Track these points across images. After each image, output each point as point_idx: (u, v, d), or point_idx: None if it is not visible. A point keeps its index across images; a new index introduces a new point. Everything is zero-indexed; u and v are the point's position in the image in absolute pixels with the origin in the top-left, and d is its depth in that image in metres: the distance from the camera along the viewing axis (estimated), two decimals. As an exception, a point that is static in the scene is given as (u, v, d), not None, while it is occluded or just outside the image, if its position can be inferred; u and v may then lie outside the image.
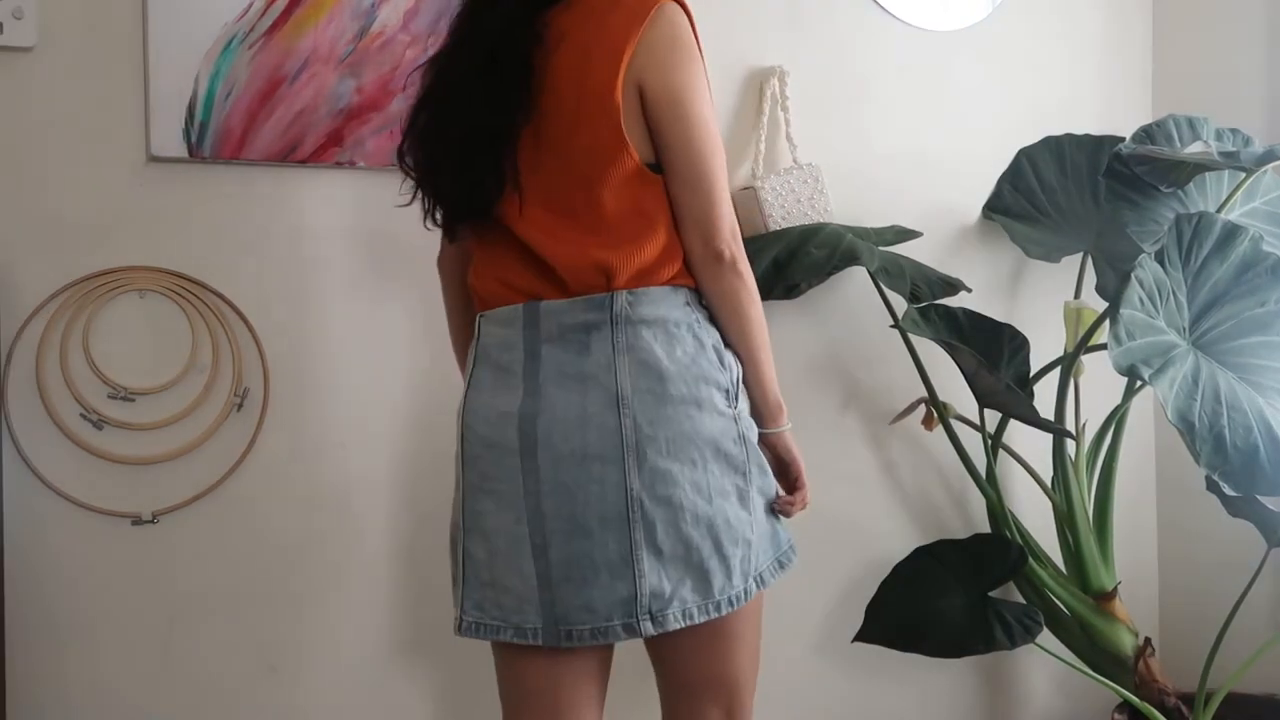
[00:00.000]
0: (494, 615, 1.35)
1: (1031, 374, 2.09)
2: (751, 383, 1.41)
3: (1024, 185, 2.25)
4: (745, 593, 1.36)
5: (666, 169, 1.35)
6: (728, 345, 1.39)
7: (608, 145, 1.32)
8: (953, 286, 2.05)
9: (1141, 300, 1.75)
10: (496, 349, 1.38)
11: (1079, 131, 2.26)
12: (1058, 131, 2.26)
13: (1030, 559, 2.03)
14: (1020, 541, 2.07)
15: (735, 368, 1.39)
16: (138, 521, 1.76)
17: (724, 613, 1.35)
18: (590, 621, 1.31)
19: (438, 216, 1.45)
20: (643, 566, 1.31)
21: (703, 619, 1.33)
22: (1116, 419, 2.12)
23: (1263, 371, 1.82)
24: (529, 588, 1.33)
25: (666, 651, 1.41)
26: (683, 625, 1.32)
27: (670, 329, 1.35)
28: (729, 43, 2.06)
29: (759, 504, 1.39)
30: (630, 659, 1.50)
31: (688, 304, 1.38)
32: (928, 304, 2.02)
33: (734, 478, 1.36)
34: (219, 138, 1.77)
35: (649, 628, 1.31)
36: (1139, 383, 1.89)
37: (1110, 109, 2.41)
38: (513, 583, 1.34)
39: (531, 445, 1.32)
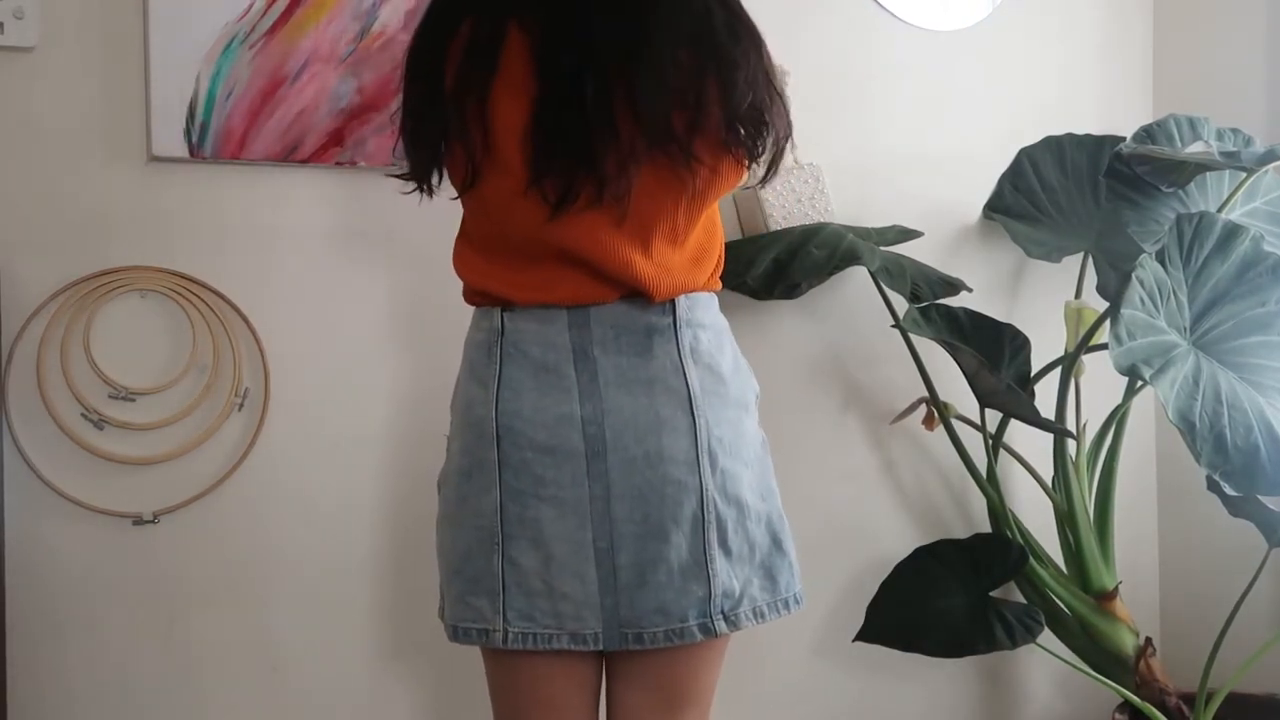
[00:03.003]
0: (547, 624, 1.31)
1: (1032, 374, 2.09)
2: None
3: (1025, 185, 2.25)
4: (802, 593, 1.39)
5: None
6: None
7: None
8: (953, 286, 2.05)
9: (1142, 300, 1.75)
10: (536, 347, 1.32)
11: (1079, 131, 2.26)
12: (1058, 131, 2.26)
13: (1031, 559, 2.04)
14: (1021, 541, 2.07)
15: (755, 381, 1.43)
16: (138, 521, 1.76)
17: (792, 611, 1.37)
18: (664, 624, 1.31)
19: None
20: (715, 566, 1.31)
21: (773, 617, 1.35)
22: (1117, 419, 2.12)
23: (1263, 371, 1.82)
24: (589, 593, 1.30)
25: (665, 663, 1.37)
26: (755, 624, 1.34)
27: (719, 333, 1.38)
28: (729, 43, 2.06)
29: None
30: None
31: (719, 310, 1.40)
32: (928, 304, 2.02)
33: (771, 480, 1.39)
34: (220, 138, 1.77)
35: (723, 626, 1.32)
36: (1140, 382, 1.89)
37: (1110, 109, 2.41)
38: (572, 589, 1.31)
39: (600, 449, 1.30)
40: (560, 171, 1.26)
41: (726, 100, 1.26)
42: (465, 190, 1.33)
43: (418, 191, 1.38)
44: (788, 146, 1.35)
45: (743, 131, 1.28)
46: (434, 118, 1.31)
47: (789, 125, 1.34)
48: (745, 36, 1.28)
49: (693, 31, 1.26)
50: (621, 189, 1.26)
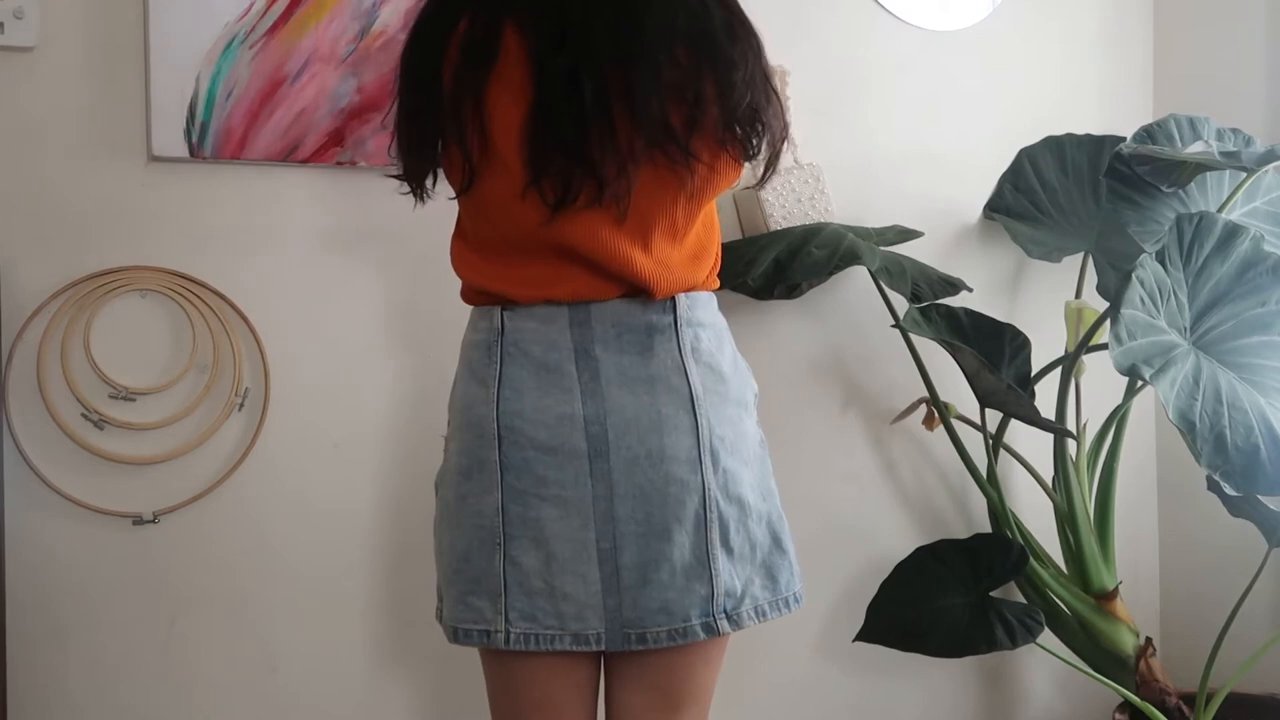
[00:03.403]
0: (549, 625, 1.31)
1: (1032, 374, 2.09)
2: None
3: (1025, 185, 2.25)
4: (802, 591, 1.39)
5: None
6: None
7: None
8: (954, 286, 2.05)
9: (1142, 300, 1.75)
10: (536, 346, 1.32)
11: (1079, 131, 2.26)
12: (1058, 131, 2.26)
13: (1031, 559, 2.03)
14: (1021, 541, 2.07)
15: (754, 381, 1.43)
16: (138, 521, 1.76)
17: (792, 609, 1.37)
18: (667, 623, 1.30)
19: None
20: (718, 566, 1.31)
21: (774, 616, 1.35)
22: (1117, 419, 2.12)
23: (1264, 371, 1.82)
24: (591, 593, 1.30)
25: (665, 663, 1.37)
26: (756, 623, 1.34)
27: (719, 332, 1.38)
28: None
29: None
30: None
31: (718, 309, 1.40)
32: (929, 304, 2.02)
33: (770, 479, 1.39)
34: (220, 138, 1.77)
35: (726, 626, 1.32)
36: (1140, 382, 1.89)
37: (1110, 109, 2.41)
38: (574, 589, 1.30)
39: (602, 449, 1.29)
40: (558, 172, 1.25)
41: (724, 99, 1.26)
42: (464, 192, 1.33)
43: (411, 195, 1.38)
44: (785, 147, 1.35)
45: (740, 131, 1.28)
46: (431, 119, 1.31)
47: (786, 126, 1.34)
48: (744, 37, 1.28)
49: (690, 30, 1.25)
50: (621, 189, 1.26)
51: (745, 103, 1.27)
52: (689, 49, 1.25)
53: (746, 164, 1.34)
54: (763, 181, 1.39)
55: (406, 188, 1.38)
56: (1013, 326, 2.08)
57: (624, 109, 1.24)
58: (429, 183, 1.37)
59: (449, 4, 1.32)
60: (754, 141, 1.30)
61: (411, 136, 1.34)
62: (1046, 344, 2.16)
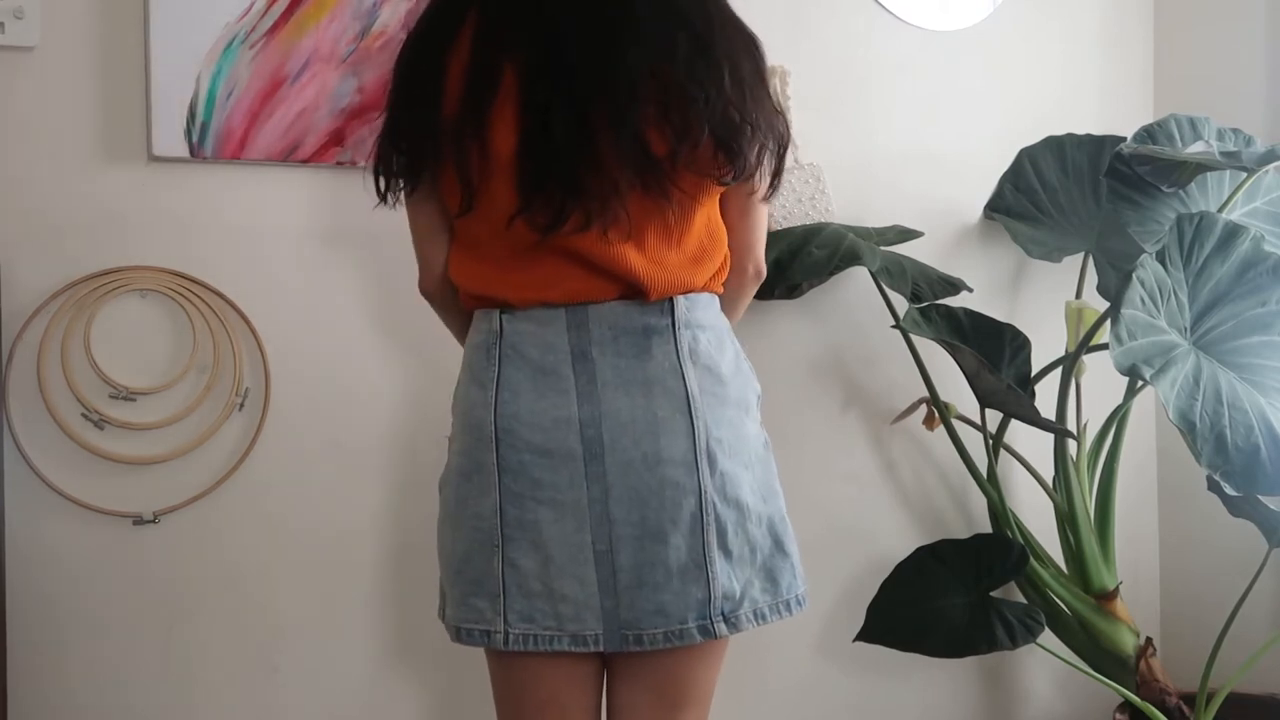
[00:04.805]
0: (547, 625, 1.32)
1: (1033, 374, 2.09)
2: None
3: (1025, 185, 2.25)
4: (805, 594, 1.39)
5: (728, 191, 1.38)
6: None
7: None
8: (954, 286, 2.05)
9: (1143, 300, 1.75)
10: (534, 349, 1.33)
11: (1080, 131, 2.26)
12: (1058, 131, 2.26)
13: (1031, 559, 2.03)
14: (1022, 541, 2.07)
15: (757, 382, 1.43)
16: (139, 521, 1.77)
17: (794, 612, 1.37)
18: (663, 625, 1.31)
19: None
20: (715, 569, 1.31)
21: (774, 618, 1.35)
22: (1118, 419, 2.12)
23: (1264, 371, 1.82)
24: (588, 595, 1.31)
25: (665, 664, 1.37)
26: (755, 625, 1.33)
27: (720, 334, 1.38)
28: (730, 42, 2.05)
29: None
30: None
31: (720, 310, 1.40)
32: (929, 304, 2.02)
33: (774, 481, 1.39)
34: (220, 137, 1.77)
35: (723, 629, 1.32)
36: (1140, 382, 1.89)
37: (1111, 109, 2.41)
38: (571, 590, 1.31)
39: (597, 451, 1.30)
40: (545, 202, 1.27)
41: (698, 125, 1.27)
42: (460, 216, 1.34)
43: (382, 201, 1.38)
44: (784, 159, 1.36)
45: (720, 154, 1.29)
46: (431, 141, 1.32)
47: (780, 142, 1.34)
48: (709, 67, 1.28)
49: (665, 60, 1.27)
50: (610, 220, 1.28)
51: (707, 130, 1.28)
52: (665, 77, 1.27)
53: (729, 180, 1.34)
54: (767, 196, 1.40)
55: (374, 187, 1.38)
56: (1013, 326, 2.09)
57: (607, 138, 1.26)
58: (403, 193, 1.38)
59: (441, 29, 1.32)
60: (735, 162, 1.31)
61: (410, 155, 1.34)
62: (1046, 344, 2.16)
